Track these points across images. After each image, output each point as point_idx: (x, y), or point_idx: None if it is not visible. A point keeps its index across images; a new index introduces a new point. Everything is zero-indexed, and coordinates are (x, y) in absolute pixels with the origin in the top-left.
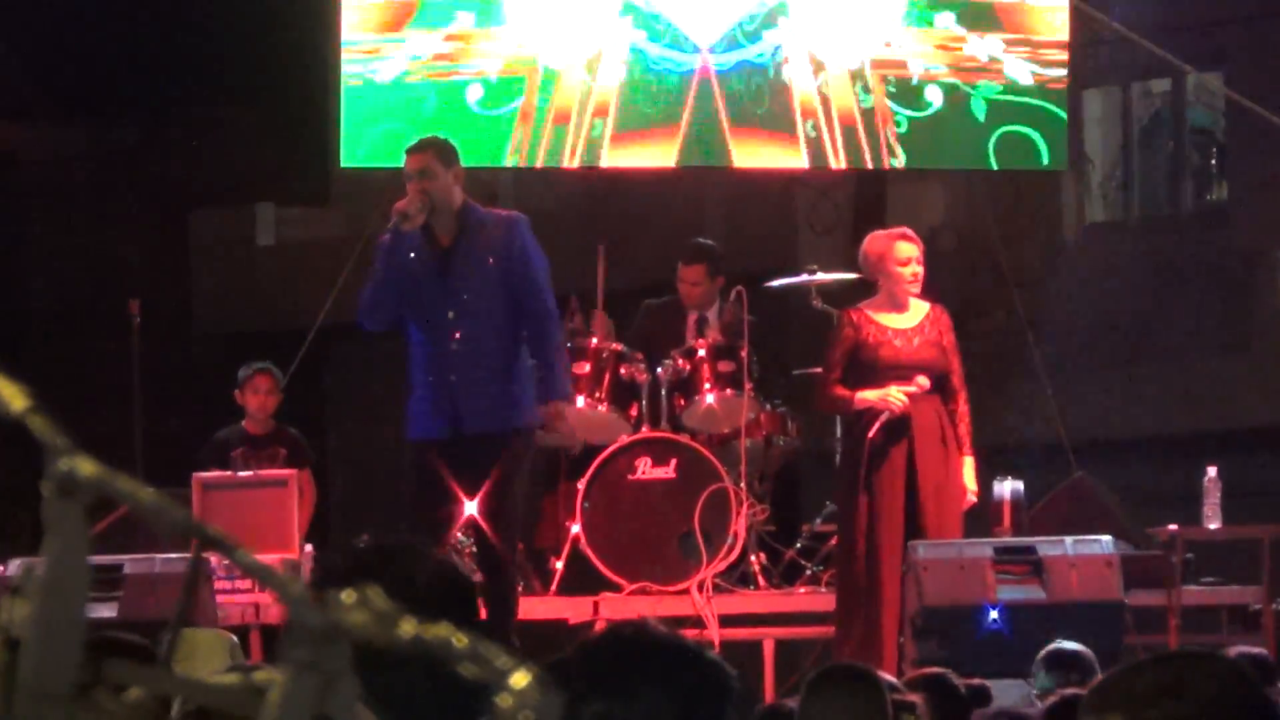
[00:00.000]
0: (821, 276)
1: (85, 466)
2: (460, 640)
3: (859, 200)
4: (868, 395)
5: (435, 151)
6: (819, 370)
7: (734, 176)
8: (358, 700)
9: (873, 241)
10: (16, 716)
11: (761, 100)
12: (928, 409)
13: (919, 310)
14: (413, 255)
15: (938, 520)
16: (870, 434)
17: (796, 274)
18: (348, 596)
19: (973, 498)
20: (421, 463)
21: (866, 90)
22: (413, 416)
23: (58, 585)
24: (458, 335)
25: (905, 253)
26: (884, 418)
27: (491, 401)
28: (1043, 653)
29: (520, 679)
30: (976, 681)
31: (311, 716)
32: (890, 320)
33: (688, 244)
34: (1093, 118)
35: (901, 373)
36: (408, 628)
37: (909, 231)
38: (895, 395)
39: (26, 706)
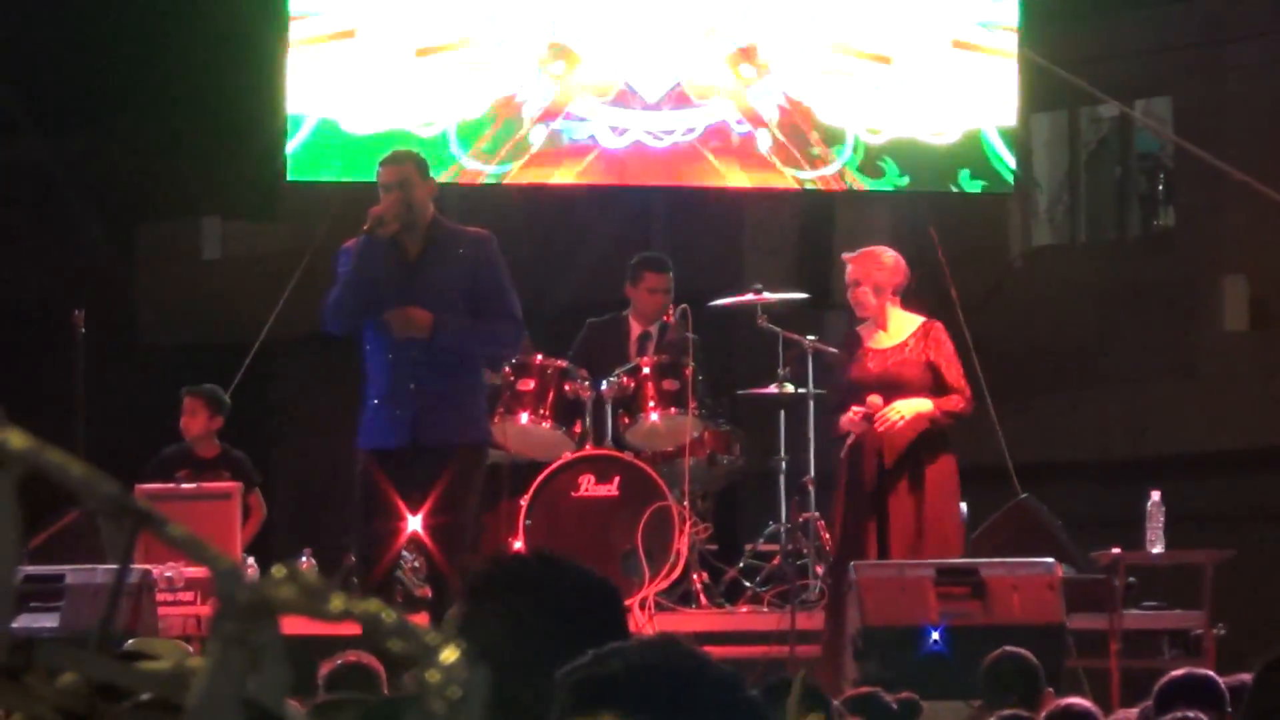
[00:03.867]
0: (767, 296)
1: (16, 438)
2: (389, 615)
3: (805, 220)
4: (843, 418)
5: (414, 164)
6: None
7: (679, 194)
8: (286, 681)
9: None
10: None
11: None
12: (903, 430)
13: (905, 327)
14: (380, 264)
15: (906, 544)
16: (842, 454)
17: (742, 293)
18: (277, 571)
19: (896, 418)
20: (370, 473)
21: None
22: (366, 426)
23: None
24: (419, 346)
25: (847, 274)
26: (849, 439)
27: (448, 414)
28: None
29: (449, 654)
30: (905, 695)
31: (239, 693)
32: (873, 339)
33: (649, 255)
34: (1040, 141)
35: (870, 391)
36: (337, 603)
37: (846, 255)
38: (850, 415)
39: None
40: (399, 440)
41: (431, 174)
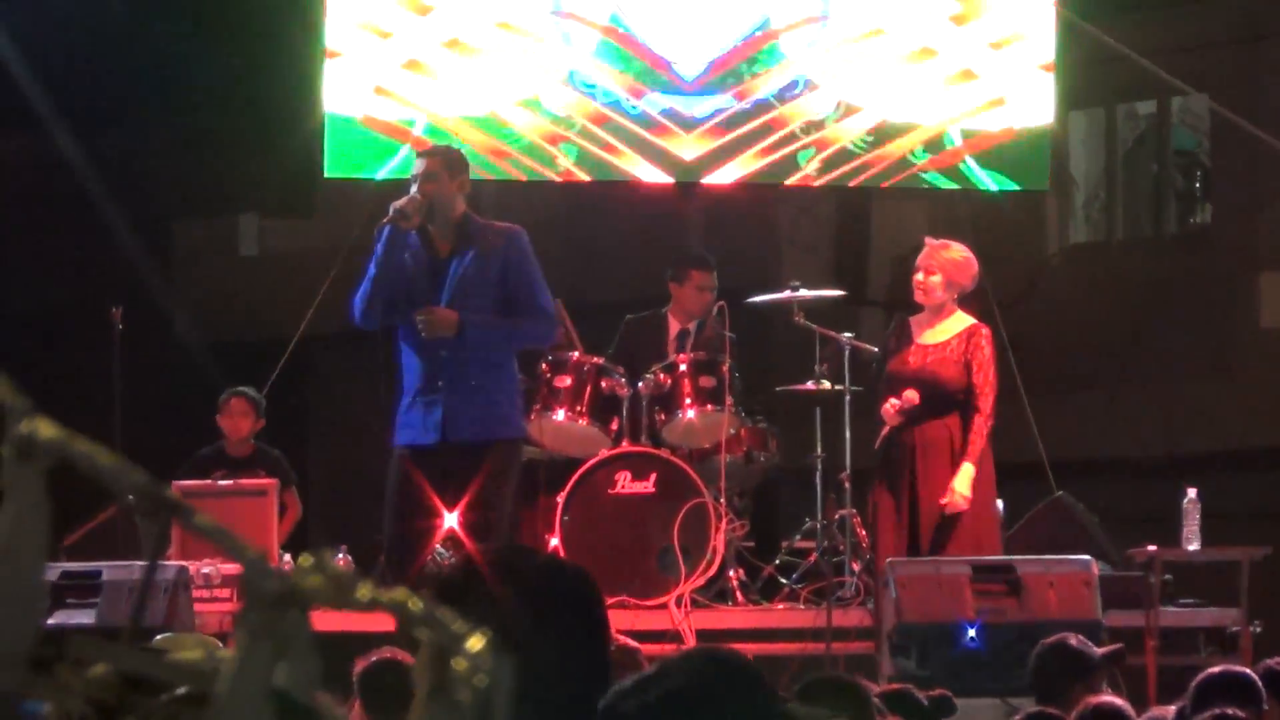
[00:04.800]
0: (804, 293)
1: (45, 429)
2: (416, 605)
3: (842, 217)
4: (882, 408)
5: (443, 158)
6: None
7: (717, 191)
8: (316, 671)
9: None
10: None
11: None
12: (937, 427)
13: (954, 327)
14: (409, 260)
15: (940, 541)
16: (875, 445)
17: (779, 290)
18: (304, 560)
19: (962, 503)
20: (403, 470)
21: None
22: (400, 423)
23: (15, 547)
24: (448, 344)
25: (916, 262)
26: (884, 430)
27: (478, 411)
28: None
29: (475, 643)
30: (938, 692)
31: (268, 684)
32: (922, 335)
33: (695, 253)
34: (1077, 139)
35: (905, 385)
36: (364, 592)
37: (931, 241)
38: (886, 407)
39: None
40: (431, 437)
41: (465, 170)
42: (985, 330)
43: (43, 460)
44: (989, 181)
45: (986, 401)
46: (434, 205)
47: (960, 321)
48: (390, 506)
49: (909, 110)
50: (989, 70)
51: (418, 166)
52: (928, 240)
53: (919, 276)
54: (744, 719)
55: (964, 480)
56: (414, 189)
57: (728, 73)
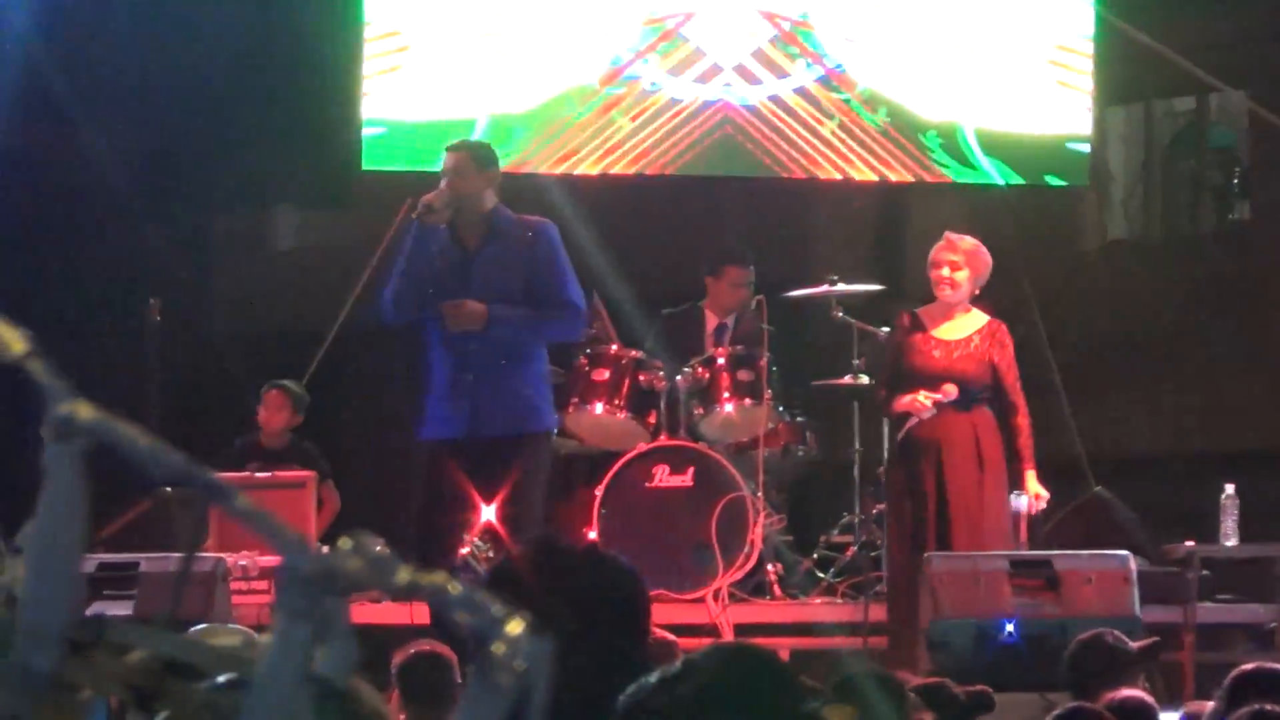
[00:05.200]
0: (842, 287)
1: (84, 410)
2: (455, 587)
3: (880, 211)
4: (903, 399)
5: (470, 153)
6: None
7: (752, 183)
8: (353, 656)
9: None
10: (11, 661)
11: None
12: (962, 423)
13: (972, 323)
14: (438, 254)
15: (969, 536)
16: (899, 437)
17: (816, 284)
18: (343, 543)
19: (1041, 503)
20: (435, 465)
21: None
22: (427, 417)
23: (53, 528)
24: (476, 338)
25: (935, 256)
26: (911, 422)
27: (508, 405)
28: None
29: (515, 626)
30: (978, 687)
31: (305, 667)
32: (938, 329)
33: (731, 248)
34: (1115, 134)
35: (933, 382)
36: (403, 575)
37: (951, 236)
38: (921, 399)
39: (21, 650)
40: (460, 431)
41: (494, 164)
42: (1003, 325)
43: (82, 441)
44: (1022, 176)
45: (1023, 399)
46: (462, 199)
47: (978, 318)
48: (422, 499)
49: (938, 104)
50: (1025, 65)
51: (446, 161)
52: (947, 234)
53: (944, 272)
54: (773, 716)
55: (1036, 483)
56: (442, 183)
57: (766, 63)
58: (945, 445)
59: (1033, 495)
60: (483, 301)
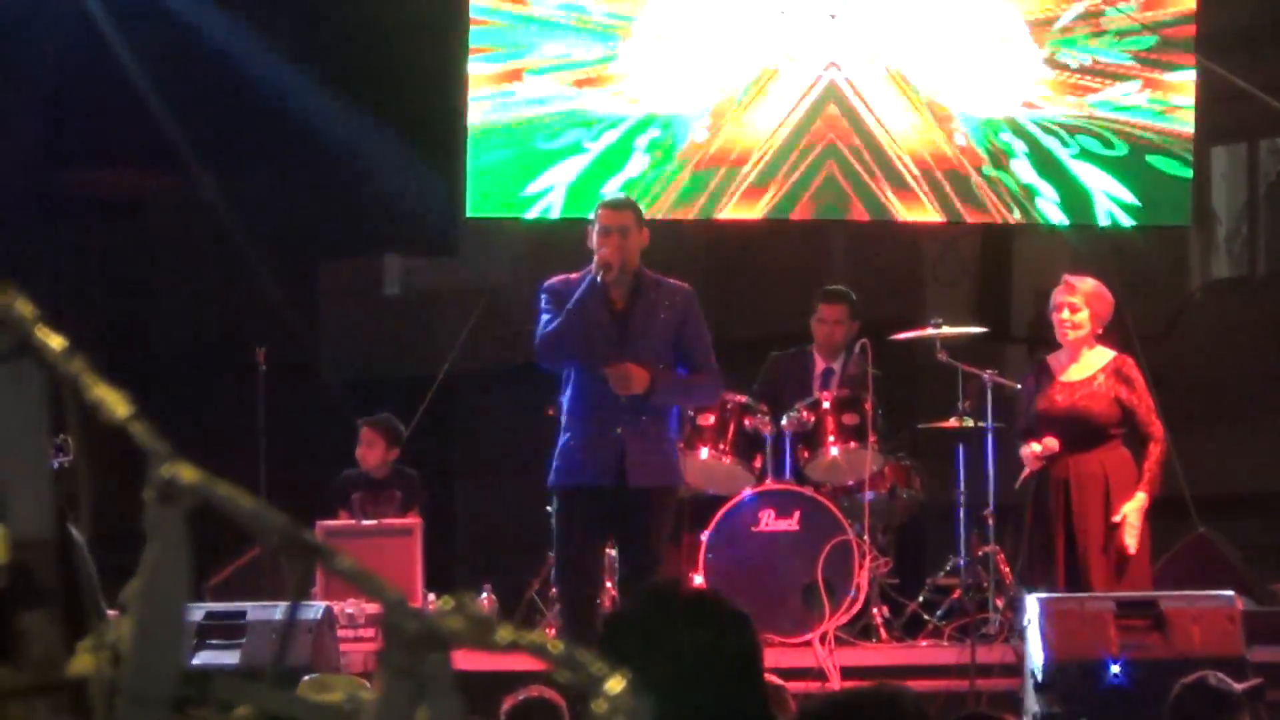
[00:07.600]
0: (947, 330)
1: (186, 473)
2: (555, 646)
3: (985, 253)
4: (1022, 450)
5: (634, 211)
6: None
7: (858, 227)
8: (456, 713)
9: None
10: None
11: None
12: (1089, 462)
13: (1096, 360)
14: (591, 310)
15: (1104, 574)
16: (1017, 485)
17: (922, 326)
18: (445, 602)
19: (1133, 529)
20: (571, 510)
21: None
22: (563, 463)
23: (158, 590)
24: (630, 395)
25: (1055, 299)
26: (1025, 473)
27: (654, 458)
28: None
29: (615, 685)
30: None
31: None
32: (1064, 373)
33: (826, 288)
34: (1219, 173)
35: (1052, 426)
36: (505, 634)
37: (1070, 278)
38: (1027, 452)
39: (126, 711)
40: (601, 480)
41: (645, 223)
42: (1129, 359)
43: (184, 503)
44: (1126, 218)
45: (1158, 428)
46: (626, 260)
47: (1102, 355)
48: (558, 546)
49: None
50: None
51: (607, 217)
52: (1066, 277)
53: (1064, 315)
54: None
55: (1137, 507)
56: (594, 238)
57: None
58: (1074, 485)
59: (1131, 520)
60: (637, 361)
